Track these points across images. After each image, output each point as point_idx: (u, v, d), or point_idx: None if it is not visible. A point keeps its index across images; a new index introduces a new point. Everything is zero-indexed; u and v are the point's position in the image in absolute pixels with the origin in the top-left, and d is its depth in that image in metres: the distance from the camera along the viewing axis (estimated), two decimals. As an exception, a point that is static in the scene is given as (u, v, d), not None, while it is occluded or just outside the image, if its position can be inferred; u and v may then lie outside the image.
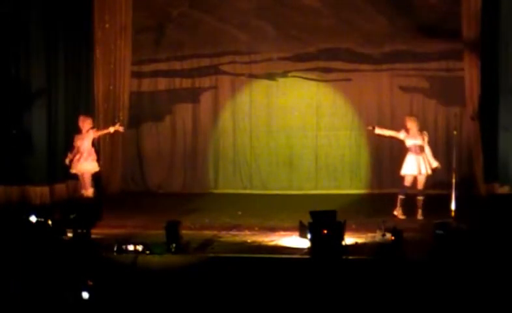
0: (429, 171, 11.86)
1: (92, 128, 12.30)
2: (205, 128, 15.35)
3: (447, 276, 8.55)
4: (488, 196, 12.92)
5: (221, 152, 15.33)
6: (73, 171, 12.29)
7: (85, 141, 12.13)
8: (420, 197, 11.87)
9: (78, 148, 12.11)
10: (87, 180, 12.19)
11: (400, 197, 11.98)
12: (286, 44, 15.06)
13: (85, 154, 12.14)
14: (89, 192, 12.18)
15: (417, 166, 11.80)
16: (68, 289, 8.37)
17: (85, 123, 12.21)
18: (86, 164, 12.15)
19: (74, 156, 12.14)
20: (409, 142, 11.91)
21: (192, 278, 8.84)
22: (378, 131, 12.22)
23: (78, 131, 12.22)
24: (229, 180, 15.31)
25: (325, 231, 9.22)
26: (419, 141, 11.85)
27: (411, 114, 12.74)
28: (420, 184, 11.88)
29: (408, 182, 11.94)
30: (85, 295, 8.29)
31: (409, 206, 11.99)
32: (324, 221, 9.39)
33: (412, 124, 11.94)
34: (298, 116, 15.06)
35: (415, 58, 14.82)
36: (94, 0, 14.39)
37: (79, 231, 9.84)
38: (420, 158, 11.82)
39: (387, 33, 14.86)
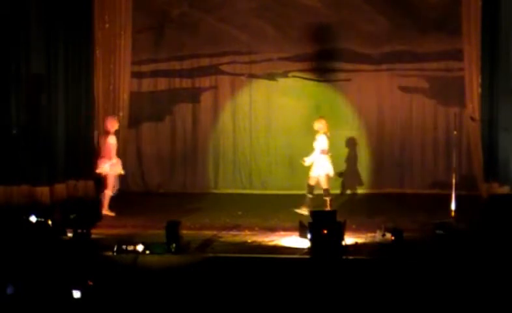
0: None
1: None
2: (205, 128, 15.34)
3: (447, 276, 8.55)
4: (488, 196, 12.92)
5: (221, 152, 15.33)
6: (98, 171, 12.36)
7: (113, 142, 12.24)
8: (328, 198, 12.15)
9: (105, 148, 12.24)
10: (111, 180, 12.26)
11: (329, 198, 12.17)
12: (286, 44, 15.06)
13: (113, 155, 12.25)
14: (113, 191, 12.28)
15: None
16: (68, 289, 8.37)
17: (113, 124, 12.36)
18: (113, 165, 12.25)
19: (102, 156, 12.29)
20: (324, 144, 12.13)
21: (192, 278, 8.84)
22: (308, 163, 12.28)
23: (105, 132, 12.40)
24: (229, 180, 15.30)
25: (325, 231, 9.23)
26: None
27: (320, 116, 12.72)
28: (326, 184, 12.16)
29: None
30: (77, 293, 8.28)
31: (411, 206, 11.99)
32: (324, 221, 9.39)
33: (321, 126, 12.19)
34: (298, 116, 15.05)
35: (415, 58, 14.81)
36: (94, 0, 14.38)
37: (79, 231, 9.85)
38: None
39: (387, 33, 14.86)
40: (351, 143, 15.01)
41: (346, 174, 14.84)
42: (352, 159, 14.96)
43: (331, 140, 14.89)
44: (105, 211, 12.11)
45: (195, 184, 15.24)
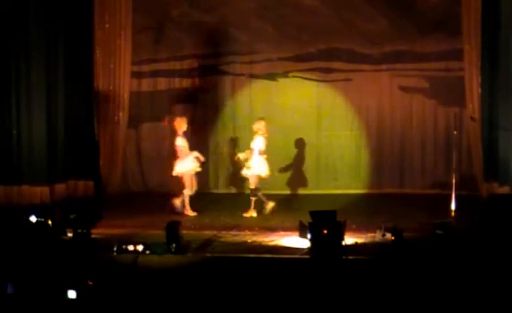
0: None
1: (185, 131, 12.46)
2: (205, 128, 15.33)
3: (447, 276, 8.55)
4: (488, 196, 12.92)
5: (221, 152, 15.32)
6: (174, 173, 12.45)
7: (179, 143, 12.28)
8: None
9: (176, 149, 12.35)
10: (188, 180, 12.29)
11: (255, 198, 12.32)
12: (286, 44, 15.05)
13: (182, 156, 12.29)
14: (192, 191, 12.34)
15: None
16: (68, 289, 8.36)
17: (180, 125, 12.40)
18: (185, 165, 12.25)
19: (175, 158, 12.39)
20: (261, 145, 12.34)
21: (192, 278, 8.84)
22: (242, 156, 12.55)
23: (174, 132, 12.45)
24: (229, 180, 15.30)
25: (325, 231, 9.23)
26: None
27: (260, 118, 12.84)
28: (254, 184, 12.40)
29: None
30: (77, 294, 8.28)
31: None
32: (324, 221, 9.39)
33: (259, 127, 12.40)
34: (298, 116, 15.06)
35: (415, 58, 14.81)
36: (94, 0, 14.38)
37: (79, 231, 9.85)
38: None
39: (387, 33, 14.85)
40: (351, 143, 15.04)
41: (347, 174, 14.92)
42: (352, 159, 14.98)
43: (332, 140, 15.06)
44: (187, 212, 12.22)
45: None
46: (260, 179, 12.43)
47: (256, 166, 12.31)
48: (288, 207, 13.11)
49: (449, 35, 14.53)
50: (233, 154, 14.56)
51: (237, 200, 14.12)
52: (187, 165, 12.30)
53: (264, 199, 12.39)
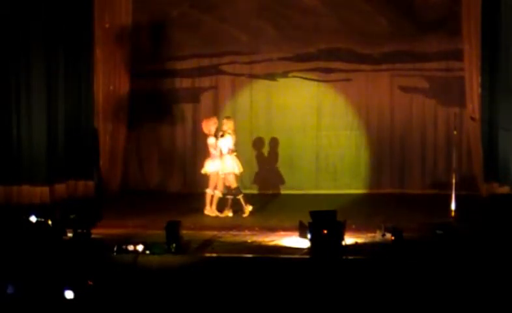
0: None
1: (217, 132, 12.37)
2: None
3: (447, 276, 8.55)
4: (488, 196, 12.93)
5: (221, 152, 15.32)
6: (202, 171, 12.46)
7: (210, 143, 12.29)
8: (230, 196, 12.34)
9: (208, 148, 12.34)
10: (213, 180, 12.28)
11: (230, 197, 12.32)
12: (287, 44, 15.06)
13: (213, 155, 12.26)
14: (215, 192, 12.30)
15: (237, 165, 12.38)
16: (68, 289, 8.37)
17: (207, 126, 12.39)
18: (212, 165, 12.26)
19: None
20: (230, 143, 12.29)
21: (192, 278, 8.84)
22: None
23: (205, 133, 12.48)
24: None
25: (325, 231, 9.23)
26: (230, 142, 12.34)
27: (227, 117, 12.87)
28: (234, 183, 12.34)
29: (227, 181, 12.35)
30: (76, 294, 8.27)
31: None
32: (324, 221, 9.40)
33: (229, 126, 12.35)
34: (298, 116, 15.06)
35: (415, 58, 14.81)
36: (94, 0, 14.38)
37: (79, 231, 9.85)
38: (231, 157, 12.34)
39: (387, 33, 14.86)
40: (351, 143, 15.05)
41: (347, 174, 14.94)
42: (352, 159, 15.00)
43: (332, 140, 15.07)
44: (206, 211, 12.26)
45: (195, 184, 15.22)
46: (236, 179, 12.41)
47: (229, 166, 12.26)
48: (289, 207, 13.10)
49: (449, 35, 14.54)
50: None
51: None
52: (213, 165, 12.29)
53: (243, 201, 12.32)
